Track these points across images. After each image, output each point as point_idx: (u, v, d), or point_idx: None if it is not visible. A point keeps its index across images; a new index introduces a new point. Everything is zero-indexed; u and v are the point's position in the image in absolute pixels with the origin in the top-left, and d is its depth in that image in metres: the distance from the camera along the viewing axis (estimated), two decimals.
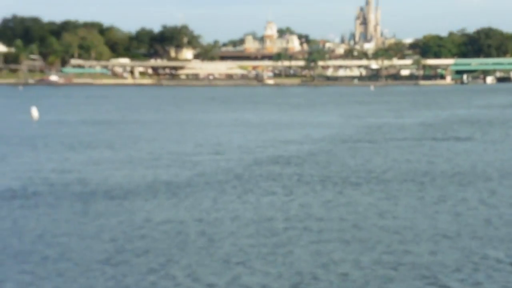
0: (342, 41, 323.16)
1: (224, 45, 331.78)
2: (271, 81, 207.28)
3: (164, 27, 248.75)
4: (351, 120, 63.69)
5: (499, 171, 32.14)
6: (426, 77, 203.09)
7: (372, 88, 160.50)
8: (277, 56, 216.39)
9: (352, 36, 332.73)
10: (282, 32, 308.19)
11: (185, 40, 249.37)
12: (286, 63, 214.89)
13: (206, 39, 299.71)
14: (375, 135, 49.09)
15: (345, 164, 34.45)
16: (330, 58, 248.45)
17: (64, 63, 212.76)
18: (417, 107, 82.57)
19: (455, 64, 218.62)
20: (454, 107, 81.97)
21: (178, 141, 44.58)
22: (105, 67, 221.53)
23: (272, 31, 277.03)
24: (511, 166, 33.57)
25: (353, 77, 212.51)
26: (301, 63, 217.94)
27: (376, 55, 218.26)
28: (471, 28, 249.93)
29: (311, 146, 42.38)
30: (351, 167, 33.28)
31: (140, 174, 30.50)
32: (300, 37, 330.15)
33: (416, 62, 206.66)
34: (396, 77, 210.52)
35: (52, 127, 54.83)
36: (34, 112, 66.55)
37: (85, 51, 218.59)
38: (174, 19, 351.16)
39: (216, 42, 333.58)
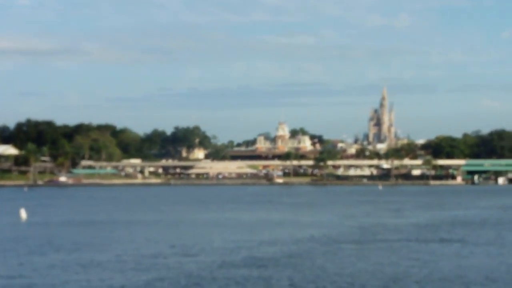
0: (356, 141, 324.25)
1: (239, 145, 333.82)
2: (280, 180, 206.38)
3: (176, 128, 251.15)
4: (346, 220, 61.79)
5: (479, 276, 30.15)
6: (437, 177, 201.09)
7: (380, 187, 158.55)
8: (286, 155, 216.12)
9: (366, 137, 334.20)
10: (296, 133, 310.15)
11: (197, 140, 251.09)
12: (295, 162, 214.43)
13: (222, 140, 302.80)
14: (364, 236, 47.17)
15: (321, 267, 32.62)
16: (341, 158, 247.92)
17: (75, 164, 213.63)
18: (418, 208, 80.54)
19: (467, 165, 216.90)
20: (456, 208, 79.91)
21: (155, 242, 42.94)
22: (116, 167, 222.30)
23: (283, 131, 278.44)
24: (494, 271, 31.55)
25: (363, 177, 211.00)
26: (311, 162, 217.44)
27: (387, 155, 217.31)
28: (486, 130, 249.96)
29: (292, 247, 40.59)
30: (326, 271, 31.45)
31: (95, 278, 28.84)
32: (313, 137, 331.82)
33: (427, 162, 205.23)
34: (407, 176, 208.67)
35: (34, 229, 53.44)
36: (23, 214, 65.32)
37: (96, 152, 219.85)
38: (187, 121, 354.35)
39: (230, 143, 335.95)
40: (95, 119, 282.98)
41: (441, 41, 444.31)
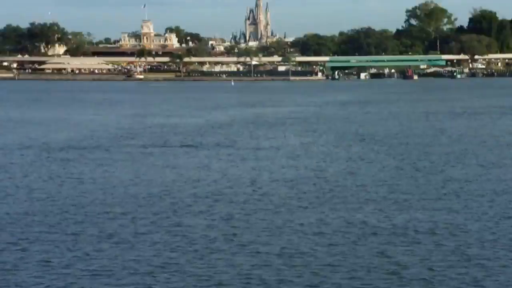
0: (233, 40, 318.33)
1: (112, 43, 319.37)
2: (141, 76, 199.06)
3: (32, 24, 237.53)
4: (129, 120, 55.17)
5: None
6: (299, 74, 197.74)
7: (232, 83, 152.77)
8: (140, 52, 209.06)
9: (243, 35, 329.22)
10: (171, 31, 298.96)
11: (56, 36, 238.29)
12: (150, 59, 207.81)
13: (95, 39, 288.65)
14: (119, 141, 40.19)
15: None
16: (211, 55, 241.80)
17: None
18: (234, 105, 74.79)
19: (331, 61, 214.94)
20: (275, 105, 74.72)
21: None
22: None
23: (148, 29, 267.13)
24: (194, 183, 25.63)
25: (224, 73, 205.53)
26: (166, 59, 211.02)
27: (251, 52, 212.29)
28: None
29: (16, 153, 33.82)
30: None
31: None
32: (189, 35, 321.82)
33: (287, 59, 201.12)
34: (272, 73, 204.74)
35: None
36: None
37: None
38: (46, 18, 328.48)
39: (105, 40, 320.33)
40: None
41: None
